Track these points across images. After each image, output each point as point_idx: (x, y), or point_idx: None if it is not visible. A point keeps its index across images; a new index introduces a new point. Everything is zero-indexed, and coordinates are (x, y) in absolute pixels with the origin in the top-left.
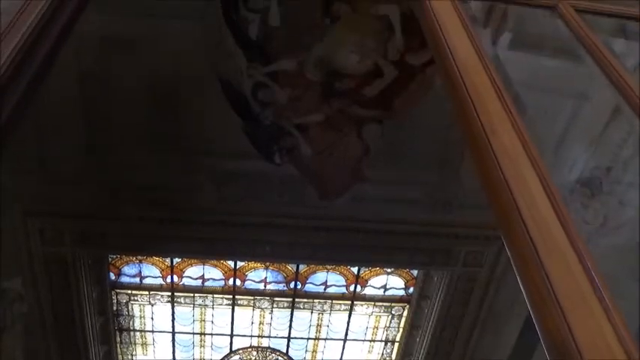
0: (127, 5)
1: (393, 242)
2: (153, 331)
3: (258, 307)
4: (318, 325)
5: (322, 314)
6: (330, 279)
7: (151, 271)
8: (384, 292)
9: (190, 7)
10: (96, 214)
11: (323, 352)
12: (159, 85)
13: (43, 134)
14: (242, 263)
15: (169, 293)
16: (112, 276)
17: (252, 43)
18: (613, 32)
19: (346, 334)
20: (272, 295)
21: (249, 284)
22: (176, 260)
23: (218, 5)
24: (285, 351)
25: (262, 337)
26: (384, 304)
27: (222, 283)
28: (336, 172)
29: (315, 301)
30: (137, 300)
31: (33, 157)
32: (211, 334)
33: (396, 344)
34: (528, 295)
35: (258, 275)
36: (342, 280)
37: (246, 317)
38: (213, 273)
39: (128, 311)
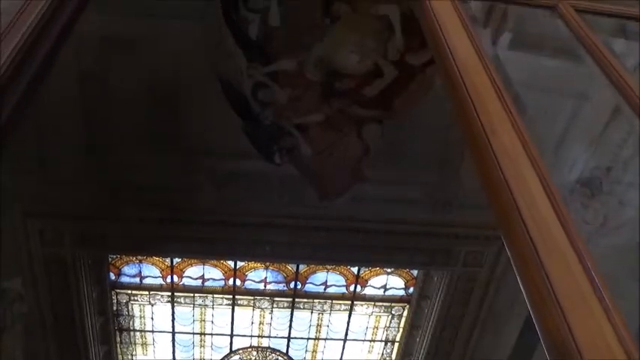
0: (127, 5)
1: (393, 242)
2: (153, 331)
3: (258, 307)
4: (318, 325)
5: (322, 314)
6: (330, 279)
7: (151, 271)
8: (384, 292)
9: (190, 7)
10: (96, 214)
11: (323, 352)
12: (159, 85)
13: (43, 134)
14: (242, 263)
15: (169, 293)
16: (112, 276)
17: (252, 43)
18: (613, 32)
19: (346, 334)
20: (272, 295)
21: (249, 284)
22: (176, 260)
23: (218, 5)
24: (285, 351)
25: (262, 337)
26: (384, 304)
27: (222, 283)
28: (336, 172)
29: (315, 301)
30: (137, 300)
31: (33, 158)
32: (211, 334)
33: (396, 344)
34: (528, 295)
35: (258, 275)
36: (342, 280)
37: (246, 317)
38: (213, 273)
39: (128, 311)
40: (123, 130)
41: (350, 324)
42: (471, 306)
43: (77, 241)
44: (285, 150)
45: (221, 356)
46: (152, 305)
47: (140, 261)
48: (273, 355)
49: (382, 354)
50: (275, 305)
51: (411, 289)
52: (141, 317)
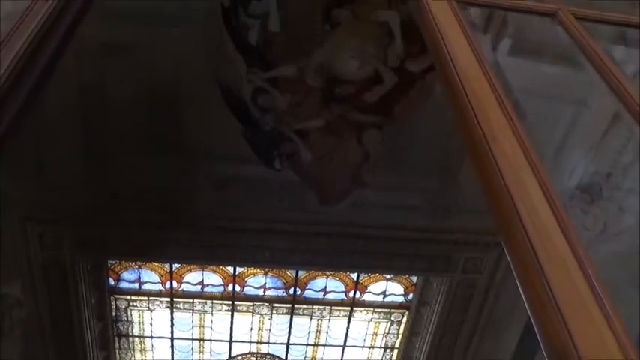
0: (126, 12)
1: (393, 248)
2: (152, 337)
3: (258, 313)
4: (317, 331)
5: (321, 320)
6: (329, 285)
7: (150, 277)
8: (384, 298)
9: (190, 13)
10: (95, 219)
11: (322, 358)
12: (159, 90)
13: (42, 140)
14: (241, 269)
15: (168, 299)
16: (111, 281)
17: (252, 49)
18: (613, 39)
19: (345, 340)
20: (271, 300)
21: (248, 290)
22: (175, 266)
23: (218, 11)
24: (284, 357)
25: (261, 343)
26: (384, 310)
27: (221, 288)
28: (336, 177)
29: (314, 307)
30: (136, 305)
31: (32, 163)
32: (210, 340)
33: (396, 350)
34: (528, 301)
35: (258, 281)
36: (341, 286)
37: (246, 323)
38: (212, 278)
39: (127, 317)
40: (122, 135)
41: (349, 330)
42: (471, 312)
43: (76, 246)
44: (285, 156)
45: None
46: (151, 311)
47: (139, 266)
48: None
49: None
50: (274, 311)
51: (411, 296)
52: (140, 323)
